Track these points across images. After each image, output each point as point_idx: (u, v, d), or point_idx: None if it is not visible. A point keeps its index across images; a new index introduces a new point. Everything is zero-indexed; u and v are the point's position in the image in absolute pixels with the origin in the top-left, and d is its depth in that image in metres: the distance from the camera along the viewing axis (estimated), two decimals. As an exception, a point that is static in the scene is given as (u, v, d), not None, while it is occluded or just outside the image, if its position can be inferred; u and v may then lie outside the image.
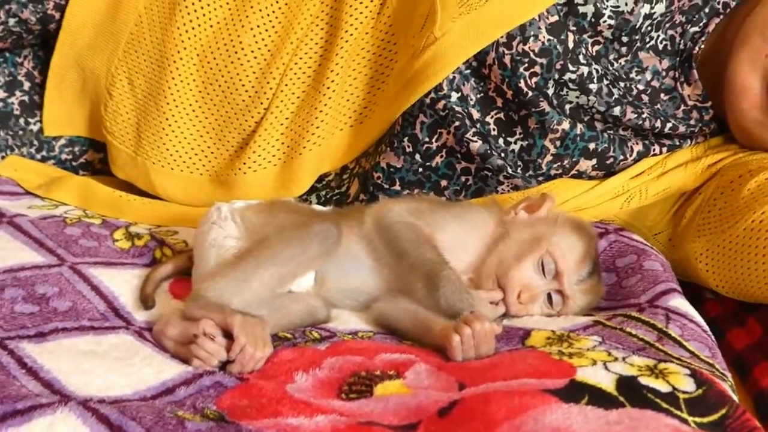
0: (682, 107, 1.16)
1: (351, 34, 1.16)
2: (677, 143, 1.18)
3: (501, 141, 1.13)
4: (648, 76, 1.16)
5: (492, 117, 1.13)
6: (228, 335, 0.82)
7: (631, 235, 1.12)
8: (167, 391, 0.77)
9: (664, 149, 1.17)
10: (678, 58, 1.16)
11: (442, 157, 1.14)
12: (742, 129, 1.15)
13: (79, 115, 1.26)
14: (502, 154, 1.13)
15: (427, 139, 1.13)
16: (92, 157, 1.29)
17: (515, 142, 1.13)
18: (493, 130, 1.13)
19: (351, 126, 1.18)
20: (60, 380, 0.75)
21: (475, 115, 1.12)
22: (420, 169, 1.14)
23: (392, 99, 1.14)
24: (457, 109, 1.10)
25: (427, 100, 1.10)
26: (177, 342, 0.84)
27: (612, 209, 1.16)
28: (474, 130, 1.11)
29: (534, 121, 1.11)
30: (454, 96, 1.10)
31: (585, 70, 1.10)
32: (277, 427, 0.70)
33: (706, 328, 0.93)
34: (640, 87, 1.16)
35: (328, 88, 1.15)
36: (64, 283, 0.94)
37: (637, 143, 1.16)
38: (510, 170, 1.12)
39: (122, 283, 0.97)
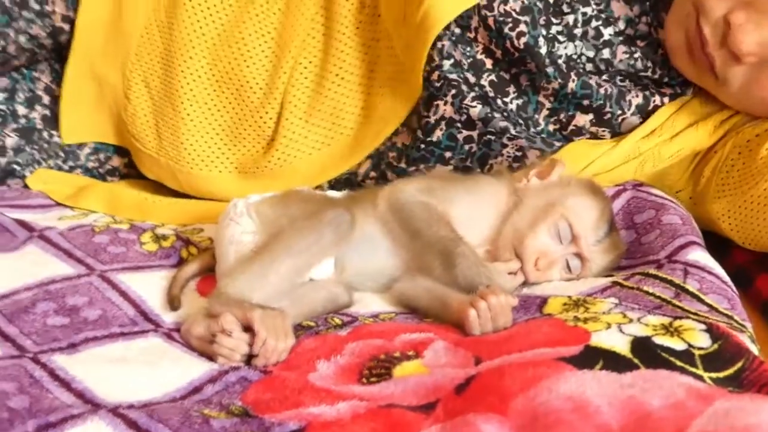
0: (660, 51, 1.12)
1: (343, 33, 1.15)
2: (678, 91, 1.14)
3: (499, 101, 1.12)
4: (621, 25, 1.13)
5: (485, 80, 1.12)
6: (251, 330, 0.83)
7: (650, 190, 1.11)
8: (195, 390, 0.79)
9: (666, 99, 1.13)
10: (648, 3, 1.12)
11: (441, 130, 1.13)
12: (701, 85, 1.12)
13: (97, 122, 1.27)
14: (504, 114, 1.12)
15: (425, 113, 1.13)
16: (118, 163, 1.31)
17: (511, 101, 1.12)
18: (490, 91, 1.12)
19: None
20: (91, 389, 0.78)
21: (471, 79, 1.11)
22: (422, 145, 1.13)
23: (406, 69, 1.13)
24: (452, 76, 1.09)
25: (423, 74, 1.10)
26: (202, 340, 0.86)
27: (626, 174, 1.14)
28: (473, 94, 1.10)
29: (525, 78, 1.10)
30: (447, 64, 1.09)
31: (570, 18, 1.08)
32: (298, 418, 0.72)
33: (726, 279, 0.92)
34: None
35: (333, 82, 1.16)
36: (94, 292, 0.96)
37: (636, 95, 1.12)
38: (513, 130, 1.10)
39: (150, 286, 0.99)
